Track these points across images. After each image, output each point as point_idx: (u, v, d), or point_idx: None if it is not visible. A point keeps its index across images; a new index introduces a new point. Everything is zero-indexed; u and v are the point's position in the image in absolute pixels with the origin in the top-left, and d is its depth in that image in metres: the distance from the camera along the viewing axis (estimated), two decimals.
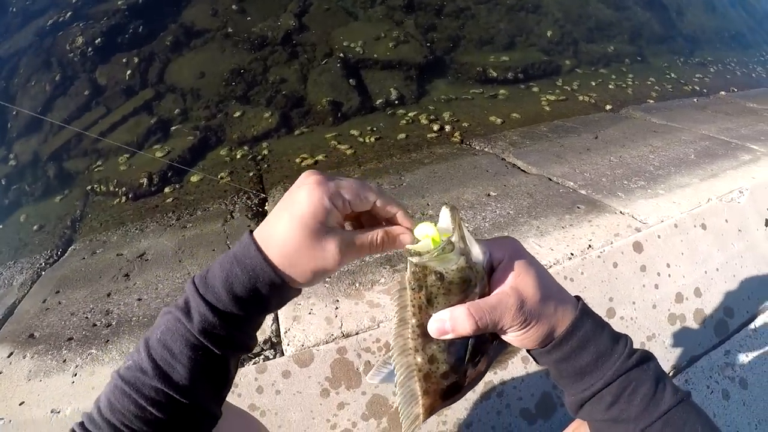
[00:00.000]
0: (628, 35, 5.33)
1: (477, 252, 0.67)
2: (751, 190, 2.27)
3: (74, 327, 1.93)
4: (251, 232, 0.69)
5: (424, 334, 0.68)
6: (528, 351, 0.74)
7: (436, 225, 0.68)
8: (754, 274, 2.10)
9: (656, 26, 5.63)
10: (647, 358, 0.69)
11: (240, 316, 0.66)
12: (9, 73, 4.41)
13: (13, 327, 2.02)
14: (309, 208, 0.65)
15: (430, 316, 0.67)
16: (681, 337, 1.82)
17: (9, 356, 1.79)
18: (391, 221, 0.74)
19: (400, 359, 0.69)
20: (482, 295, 0.67)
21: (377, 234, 0.71)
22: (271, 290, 0.67)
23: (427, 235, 0.67)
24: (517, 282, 0.67)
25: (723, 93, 4.46)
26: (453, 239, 0.65)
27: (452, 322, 0.65)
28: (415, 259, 0.65)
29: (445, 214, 0.67)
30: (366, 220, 0.75)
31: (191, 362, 0.64)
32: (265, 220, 0.70)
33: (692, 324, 1.86)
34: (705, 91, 4.54)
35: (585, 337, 0.68)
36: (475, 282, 0.67)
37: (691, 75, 4.93)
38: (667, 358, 1.77)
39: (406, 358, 0.69)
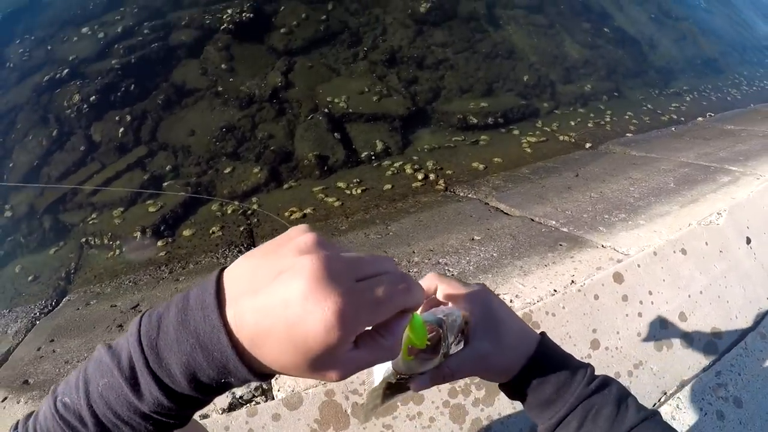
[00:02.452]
0: (604, 72, 5.47)
1: (456, 346, 0.73)
2: (730, 210, 2.32)
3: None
4: (219, 305, 0.51)
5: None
6: (499, 386, 0.79)
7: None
8: (740, 292, 2.12)
9: (629, 61, 5.80)
10: (606, 383, 0.75)
11: (201, 399, 0.55)
12: (6, 128, 4.50)
13: (7, 373, 2.06)
14: (321, 347, 0.48)
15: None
16: (669, 362, 1.83)
17: (3, 401, 1.82)
18: None
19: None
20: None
21: None
22: (245, 384, 0.60)
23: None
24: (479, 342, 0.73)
25: (700, 119, 4.57)
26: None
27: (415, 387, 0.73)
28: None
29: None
30: None
31: (142, 428, 0.55)
32: (255, 301, 0.50)
33: (679, 348, 1.88)
34: (682, 119, 4.66)
35: (544, 371, 0.75)
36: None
37: (668, 105, 5.06)
38: (656, 384, 1.78)
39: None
